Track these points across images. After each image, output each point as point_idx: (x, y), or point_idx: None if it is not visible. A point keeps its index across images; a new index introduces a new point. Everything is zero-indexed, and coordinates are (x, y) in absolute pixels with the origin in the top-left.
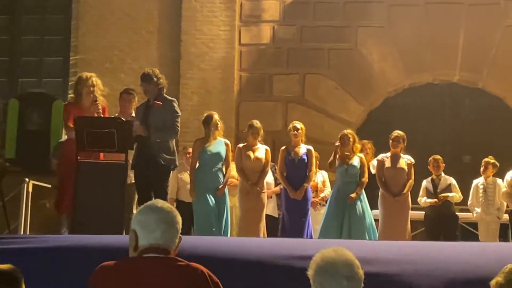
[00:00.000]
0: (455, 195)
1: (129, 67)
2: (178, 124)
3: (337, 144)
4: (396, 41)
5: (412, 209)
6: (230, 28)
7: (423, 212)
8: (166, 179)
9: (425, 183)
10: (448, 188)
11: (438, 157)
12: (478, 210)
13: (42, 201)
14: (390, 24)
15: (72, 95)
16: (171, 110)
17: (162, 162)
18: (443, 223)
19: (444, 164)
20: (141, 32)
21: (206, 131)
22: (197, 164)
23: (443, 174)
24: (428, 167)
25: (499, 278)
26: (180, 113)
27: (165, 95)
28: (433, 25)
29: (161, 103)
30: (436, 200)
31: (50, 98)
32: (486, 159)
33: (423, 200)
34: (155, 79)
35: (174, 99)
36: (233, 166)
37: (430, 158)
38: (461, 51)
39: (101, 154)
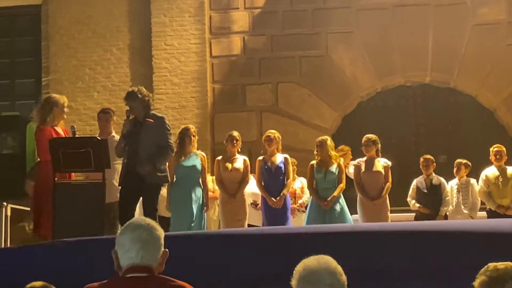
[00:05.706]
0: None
1: (101, 85)
2: (172, 141)
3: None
4: (366, 46)
5: (393, 211)
6: (201, 41)
7: (405, 214)
8: (156, 196)
9: (416, 182)
10: (439, 188)
11: (428, 156)
12: (451, 208)
13: (21, 224)
14: (359, 29)
15: None
16: (163, 128)
17: (154, 180)
18: None
19: (435, 164)
20: (111, 49)
21: (180, 145)
22: (174, 178)
23: (433, 173)
24: (420, 167)
25: (483, 277)
26: (171, 130)
27: (153, 112)
28: (401, 28)
29: (152, 120)
30: (426, 209)
31: (24, 121)
32: (458, 160)
33: (412, 202)
34: (140, 96)
35: (164, 116)
36: (210, 178)
37: (421, 158)
38: (431, 52)
39: (72, 174)
